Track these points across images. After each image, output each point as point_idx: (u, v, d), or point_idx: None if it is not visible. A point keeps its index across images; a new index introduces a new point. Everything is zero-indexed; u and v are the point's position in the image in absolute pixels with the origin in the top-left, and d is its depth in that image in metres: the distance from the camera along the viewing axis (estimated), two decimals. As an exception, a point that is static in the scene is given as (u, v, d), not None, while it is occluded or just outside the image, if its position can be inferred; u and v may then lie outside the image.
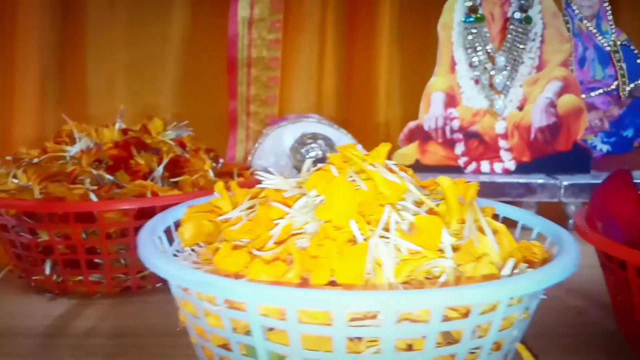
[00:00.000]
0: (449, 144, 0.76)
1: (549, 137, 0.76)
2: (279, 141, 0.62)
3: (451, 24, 0.78)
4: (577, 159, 0.76)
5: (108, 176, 0.50)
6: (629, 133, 0.79)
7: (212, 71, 1.10)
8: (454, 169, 0.76)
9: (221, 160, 0.67)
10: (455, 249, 0.33)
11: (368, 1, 1.08)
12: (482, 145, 0.76)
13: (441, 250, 0.32)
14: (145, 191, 0.48)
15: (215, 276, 0.27)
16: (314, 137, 0.58)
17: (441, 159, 0.76)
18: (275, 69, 1.05)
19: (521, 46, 0.77)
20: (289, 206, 0.34)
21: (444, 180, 0.36)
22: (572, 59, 0.81)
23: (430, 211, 0.35)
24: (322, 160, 0.58)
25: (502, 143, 0.76)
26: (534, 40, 0.78)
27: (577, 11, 0.82)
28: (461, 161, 0.76)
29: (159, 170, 0.52)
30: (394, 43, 1.08)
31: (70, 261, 0.49)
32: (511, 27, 0.77)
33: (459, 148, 0.76)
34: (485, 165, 0.76)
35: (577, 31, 0.83)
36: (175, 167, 0.53)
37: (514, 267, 0.31)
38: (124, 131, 0.57)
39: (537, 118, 0.76)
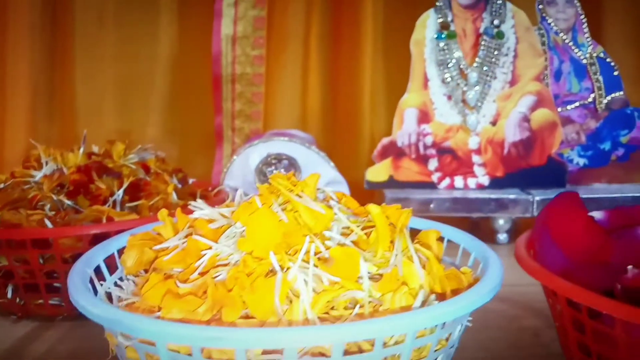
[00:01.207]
0: (423, 159, 0.76)
1: (523, 152, 0.76)
2: (246, 161, 0.63)
3: (423, 40, 0.78)
4: (552, 173, 0.76)
5: (67, 201, 0.51)
6: (606, 146, 0.79)
7: (199, 87, 1.11)
8: (427, 185, 0.76)
9: (191, 180, 0.68)
10: (379, 278, 0.33)
11: (351, 16, 1.09)
12: (456, 161, 0.77)
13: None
14: (102, 216, 0.49)
15: (123, 313, 0.28)
16: (279, 157, 0.59)
17: (415, 175, 0.77)
18: (259, 85, 1.06)
19: (494, 61, 0.77)
20: (217, 236, 0.34)
21: (373, 207, 0.37)
22: (547, 73, 0.81)
23: (358, 240, 0.35)
24: (285, 181, 0.59)
25: (475, 158, 0.76)
26: (506, 55, 0.78)
27: (552, 24, 0.82)
28: (435, 177, 0.77)
29: (119, 194, 0.52)
30: (379, 57, 1.08)
31: (31, 285, 0.50)
32: (483, 42, 0.77)
33: (433, 164, 0.77)
34: (458, 181, 0.76)
35: (552, 44, 0.83)
36: (136, 191, 0.54)
37: (426, 299, 0.31)
38: (89, 155, 0.58)
39: (511, 133, 0.76)
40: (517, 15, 0.78)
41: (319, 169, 0.65)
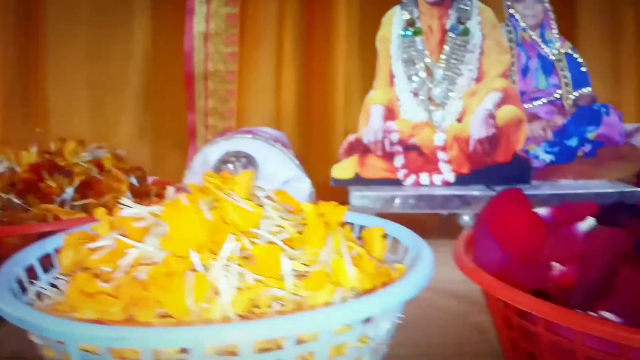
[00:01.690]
0: (388, 156, 0.76)
1: (489, 149, 0.76)
2: (206, 159, 0.62)
3: (389, 37, 0.78)
4: (517, 169, 0.76)
5: (16, 200, 0.51)
6: (572, 142, 0.79)
7: (172, 86, 1.11)
8: (393, 182, 0.76)
9: (151, 179, 0.67)
10: (305, 275, 0.33)
11: (325, 13, 1.08)
12: (422, 158, 0.76)
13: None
14: (48, 215, 0.49)
15: (32, 312, 0.27)
16: (237, 155, 0.59)
17: (380, 172, 0.76)
18: (232, 82, 1.06)
19: (460, 58, 0.77)
20: (145, 235, 0.34)
21: (306, 205, 0.37)
22: (514, 69, 0.81)
23: (291, 238, 0.35)
24: (242, 178, 0.59)
25: (441, 155, 0.76)
26: (472, 52, 0.77)
27: (520, 21, 0.82)
28: (400, 174, 0.76)
29: (68, 192, 0.52)
30: (352, 55, 1.08)
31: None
32: (449, 39, 0.77)
33: (399, 161, 0.76)
34: (424, 178, 0.76)
35: (520, 41, 0.83)
36: (87, 189, 0.53)
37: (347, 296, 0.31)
38: (43, 154, 0.57)
39: (476, 130, 0.76)
40: (483, 12, 0.78)
41: (280, 167, 0.64)
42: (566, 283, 0.32)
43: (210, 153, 0.62)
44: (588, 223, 0.37)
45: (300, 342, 0.28)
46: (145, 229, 0.35)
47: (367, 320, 0.30)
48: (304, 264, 0.34)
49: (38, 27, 1.10)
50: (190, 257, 0.32)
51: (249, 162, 0.59)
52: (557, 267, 0.32)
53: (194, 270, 0.31)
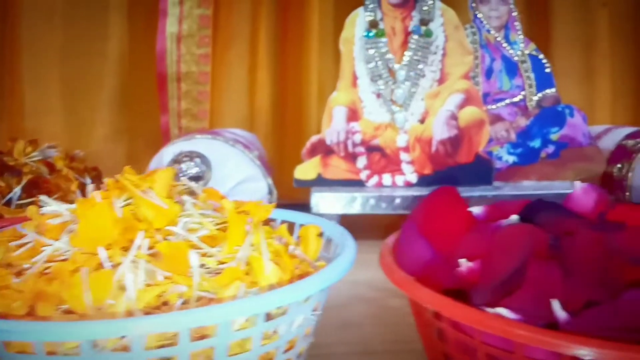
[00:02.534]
0: (351, 157, 0.76)
1: (451, 150, 0.76)
2: (161, 159, 0.62)
3: (352, 38, 0.78)
4: (479, 170, 0.76)
5: (-39, 199, 0.51)
6: (535, 144, 0.79)
7: (147, 86, 1.11)
8: (356, 183, 0.76)
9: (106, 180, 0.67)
10: (219, 272, 0.33)
11: (298, 15, 1.09)
12: (384, 159, 0.77)
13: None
14: (-10, 214, 0.49)
15: None
16: (190, 155, 0.59)
17: (343, 173, 0.77)
18: (204, 84, 1.06)
19: (422, 59, 0.77)
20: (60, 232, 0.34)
21: (227, 203, 0.37)
22: (479, 71, 0.82)
23: (213, 235, 0.35)
24: (196, 179, 0.59)
25: (403, 156, 0.76)
26: (435, 53, 0.78)
27: (485, 22, 0.82)
28: (363, 175, 0.76)
29: (15, 192, 0.52)
30: (326, 56, 1.09)
31: None
32: (412, 41, 0.77)
33: (361, 162, 0.76)
34: (387, 179, 0.76)
35: (484, 42, 0.83)
36: (35, 189, 0.53)
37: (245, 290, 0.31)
38: (-6, 153, 0.57)
39: (439, 131, 0.76)
40: (446, 13, 0.78)
41: (237, 167, 0.65)
42: (472, 280, 0.32)
43: (166, 153, 0.62)
44: (511, 220, 0.37)
45: (199, 337, 0.28)
46: (63, 226, 0.35)
47: (272, 315, 0.31)
48: (221, 261, 0.34)
49: (14, 27, 1.11)
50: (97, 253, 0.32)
51: (203, 162, 0.59)
52: (464, 264, 0.32)
53: (101, 266, 0.31)
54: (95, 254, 0.32)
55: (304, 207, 0.73)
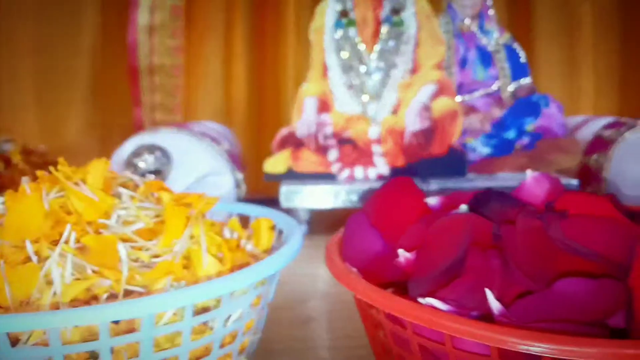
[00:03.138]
0: (322, 150, 0.75)
1: (424, 141, 0.75)
2: (121, 152, 0.61)
3: (322, 28, 0.77)
4: (453, 162, 0.75)
5: None
6: (510, 135, 0.78)
7: (121, 80, 1.10)
8: (327, 176, 0.75)
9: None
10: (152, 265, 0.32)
11: (275, 5, 1.07)
12: (356, 151, 0.75)
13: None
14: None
15: None
16: (150, 149, 0.57)
17: (314, 166, 0.75)
18: (178, 76, 1.04)
19: (394, 50, 0.76)
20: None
21: (165, 195, 0.36)
22: (453, 61, 0.80)
23: (152, 227, 0.34)
24: (156, 172, 0.58)
25: (375, 148, 0.75)
26: (407, 43, 0.76)
27: (458, 12, 0.81)
28: (334, 168, 0.75)
29: (-34, 186, 0.51)
30: (302, 48, 1.07)
31: None
32: (383, 30, 0.76)
33: (332, 154, 0.75)
34: (359, 171, 0.75)
35: (458, 32, 0.82)
36: (-13, 183, 0.52)
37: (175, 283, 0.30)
38: (-54, 147, 0.56)
39: (411, 122, 0.75)
40: (418, 2, 0.77)
41: (200, 160, 0.63)
42: (410, 271, 0.31)
43: (127, 147, 0.61)
44: (459, 210, 0.36)
45: (123, 331, 0.27)
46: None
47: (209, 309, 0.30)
48: (157, 255, 0.33)
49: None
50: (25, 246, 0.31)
51: (163, 155, 0.57)
52: (402, 254, 0.31)
53: (29, 260, 0.30)
54: (24, 247, 0.31)
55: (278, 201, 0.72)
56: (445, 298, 0.27)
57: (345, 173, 0.75)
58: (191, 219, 0.35)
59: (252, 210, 0.45)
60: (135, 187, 0.36)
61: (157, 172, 0.56)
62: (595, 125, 0.84)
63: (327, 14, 0.77)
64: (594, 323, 0.24)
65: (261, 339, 0.40)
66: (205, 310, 0.30)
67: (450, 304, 0.27)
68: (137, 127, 1.04)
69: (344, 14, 0.76)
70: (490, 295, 0.26)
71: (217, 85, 1.08)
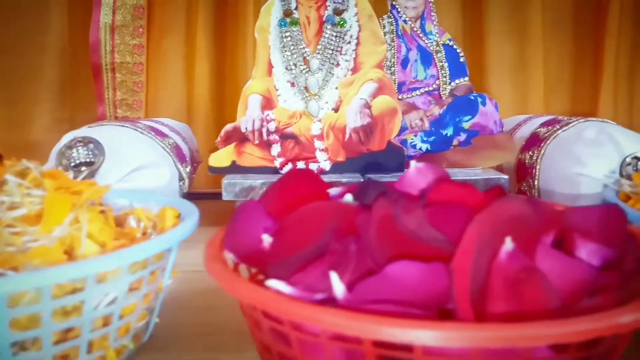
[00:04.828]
0: (265, 145, 0.78)
1: (364, 137, 0.77)
2: (59, 145, 0.63)
3: (268, 27, 0.80)
4: (391, 158, 0.78)
5: None
6: (448, 132, 0.81)
7: (87, 77, 1.11)
8: (270, 170, 0.78)
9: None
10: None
11: (235, 4, 1.09)
12: (298, 146, 0.78)
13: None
14: None
15: None
16: (84, 141, 0.59)
17: (257, 160, 0.78)
18: (139, 74, 1.06)
19: (336, 49, 0.78)
20: None
21: (48, 182, 0.38)
22: (395, 60, 0.83)
23: (29, 215, 0.36)
24: (88, 164, 0.60)
25: (317, 144, 0.78)
26: (349, 42, 0.79)
27: (401, 12, 0.84)
28: (277, 162, 0.78)
29: None
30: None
31: None
32: (326, 30, 0.78)
33: (275, 149, 0.78)
34: (300, 166, 0.78)
35: (401, 32, 0.84)
36: None
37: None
38: None
39: (352, 119, 0.77)
40: (359, 3, 0.80)
41: (135, 153, 0.65)
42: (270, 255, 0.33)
43: (64, 139, 0.63)
44: (345, 199, 0.38)
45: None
46: None
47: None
48: (36, 240, 0.35)
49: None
50: None
51: (96, 147, 0.59)
52: (266, 239, 0.33)
53: None
54: None
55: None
56: (297, 282, 0.29)
57: (288, 167, 0.78)
58: (75, 205, 0.37)
59: (161, 201, 0.47)
60: (35, 177, 0.38)
61: (89, 164, 0.58)
62: (535, 124, 0.87)
63: (272, 12, 0.79)
64: (427, 306, 0.26)
65: (159, 325, 0.42)
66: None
67: (298, 288, 0.28)
68: (98, 123, 1.06)
69: (287, 13, 0.79)
70: (334, 278, 0.27)
71: (178, 83, 1.10)
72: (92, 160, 0.59)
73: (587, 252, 0.35)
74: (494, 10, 1.15)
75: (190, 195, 0.95)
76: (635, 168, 0.65)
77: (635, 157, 0.66)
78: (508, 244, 0.28)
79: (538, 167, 0.78)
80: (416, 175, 0.40)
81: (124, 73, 1.05)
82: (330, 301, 0.27)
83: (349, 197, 0.39)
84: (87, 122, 1.16)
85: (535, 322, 0.22)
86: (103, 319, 0.33)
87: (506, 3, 1.16)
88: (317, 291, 0.28)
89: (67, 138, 0.63)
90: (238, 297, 0.27)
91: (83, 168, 0.58)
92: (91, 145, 0.59)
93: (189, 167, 0.79)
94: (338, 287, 0.26)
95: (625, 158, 0.66)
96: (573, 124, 0.78)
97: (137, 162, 0.63)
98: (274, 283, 0.28)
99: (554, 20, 1.20)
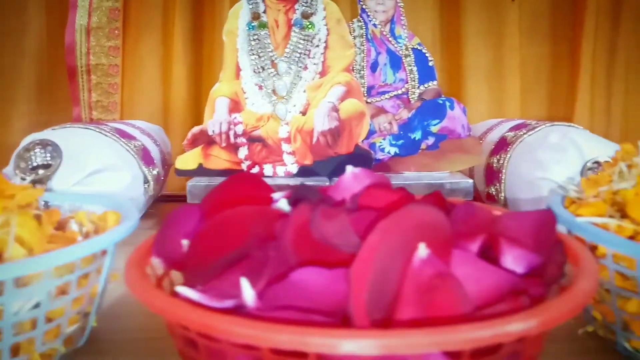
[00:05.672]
0: (232, 148, 0.78)
1: (331, 141, 0.77)
2: (19, 147, 0.63)
3: (236, 30, 0.80)
4: (359, 161, 0.78)
5: None
6: (417, 135, 0.81)
7: (64, 79, 1.11)
8: (237, 173, 0.77)
9: None
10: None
11: (213, 6, 1.09)
12: (266, 149, 0.78)
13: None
14: None
15: None
16: (42, 143, 0.59)
17: (224, 163, 0.78)
18: (115, 76, 1.06)
19: (304, 52, 0.78)
20: None
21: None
22: (364, 64, 0.83)
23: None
24: (47, 167, 0.60)
25: (285, 147, 0.78)
26: (317, 46, 0.79)
27: (371, 16, 0.84)
28: (244, 165, 0.78)
29: None
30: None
31: None
32: (294, 33, 0.79)
33: (242, 152, 0.78)
34: (268, 169, 0.78)
35: (371, 36, 0.84)
36: None
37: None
38: None
39: (320, 122, 0.77)
40: (328, 7, 0.80)
41: (95, 156, 0.65)
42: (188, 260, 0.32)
43: (24, 142, 0.63)
44: (279, 204, 0.38)
45: None
46: None
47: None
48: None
49: None
50: None
51: (54, 150, 0.59)
52: (185, 244, 0.33)
53: None
54: None
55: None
56: (211, 288, 0.29)
57: (255, 170, 0.78)
58: (6, 209, 0.37)
59: (108, 204, 0.46)
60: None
61: (46, 167, 0.58)
62: (505, 128, 0.87)
63: (240, 16, 0.80)
64: (331, 312, 0.26)
65: (99, 329, 0.42)
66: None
67: (208, 294, 0.28)
68: (73, 124, 1.05)
69: (256, 16, 0.79)
70: (245, 284, 0.27)
71: (155, 85, 1.11)
72: (50, 162, 0.59)
73: (513, 257, 0.35)
74: (470, 13, 1.15)
75: (164, 198, 0.96)
76: (596, 173, 0.65)
77: (597, 162, 0.66)
78: (422, 251, 0.28)
79: (504, 171, 0.78)
80: (352, 181, 0.40)
81: (99, 75, 1.05)
82: (241, 308, 0.27)
83: (283, 202, 0.39)
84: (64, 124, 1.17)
85: (419, 329, 0.22)
86: (31, 322, 0.33)
87: (483, 6, 1.16)
88: (227, 298, 0.28)
89: (26, 140, 0.63)
90: (143, 303, 0.27)
91: (40, 171, 0.58)
92: (49, 148, 0.59)
93: (157, 169, 0.79)
94: (248, 293, 0.26)
95: (586, 163, 0.66)
96: (539, 128, 0.78)
97: (95, 165, 0.63)
98: (181, 289, 0.28)
99: (531, 23, 1.20)
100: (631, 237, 0.39)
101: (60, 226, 0.42)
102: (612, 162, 0.46)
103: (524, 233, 0.37)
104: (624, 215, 0.42)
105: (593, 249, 0.40)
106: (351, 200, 0.37)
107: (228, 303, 0.28)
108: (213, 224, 0.33)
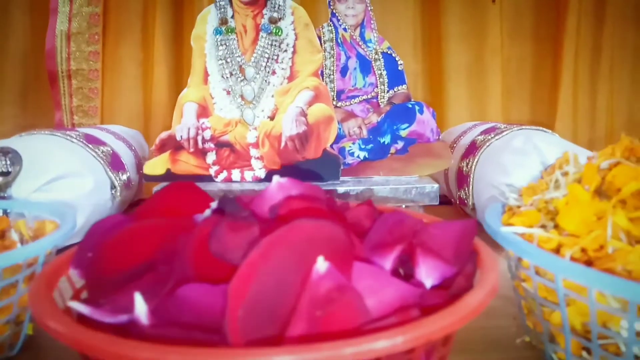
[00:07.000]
0: (200, 153, 0.78)
1: (299, 145, 0.77)
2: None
3: (204, 35, 0.80)
4: (327, 166, 0.78)
5: None
6: (386, 140, 0.81)
7: (48, 83, 1.12)
8: (205, 178, 0.78)
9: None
10: None
11: (193, 9, 1.10)
12: (234, 154, 0.78)
13: None
14: None
15: None
16: (2, 151, 0.60)
17: (192, 168, 0.78)
18: (95, 80, 1.07)
19: (272, 57, 0.79)
20: None
21: None
22: (334, 68, 0.83)
23: None
24: (6, 174, 0.61)
25: (253, 152, 0.78)
26: (285, 51, 0.79)
27: (341, 21, 0.84)
28: (212, 170, 0.78)
29: None
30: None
31: None
32: (262, 39, 0.79)
33: (210, 157, 0.78)
34: (236, 174, 0.78)
35: (341, 40, 0.84)
36: None
37: None
38: None
39: (288, 127, 0.77)
40: (296, 11, 0.80)
41: (56, 162, 0.65)
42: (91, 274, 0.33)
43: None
44: (204, 215, 0.39)
45: None
46: None
47: None
48: None
49: None
50: None
51: (14, 157, 0.60)
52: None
53: None
54: None
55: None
56: (108, 303, 0.29)
57: (223, 175, 0.78)
58: None
59: (54, 211, 0.47)
60: None
61: (5, 174, 0.59)
62: (477, 131, 0.87)
63: (208, 21, 0.80)
64: (215, 329, 0.25)
65: (37, 337, 0.43)
66: None
67: (103, 309, 0.28)
68: (59, 129, 1.07)
69: (223, 21, 0.79)
70: (138, 299, 0.27)
71: (136, 88, 1.11)
72: (9, 170, 0.59)
73: (426, 269, 0.35)
74: (451, 14, 1.14)
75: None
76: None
77: (559, 167, 0.66)
78: (320, 264, 0.28)
79: (472, 175, 0.78)
80: (277, 191, 0.40)
81: (79, 80, 1.06)
82: (135, 324, 0.27)
83: (207, 213, 0.39)
84: (50, 128, 1.18)
85: (280, 347, 0.22)
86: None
87: (464, 6, 1.15)
88: (121, 313, 0.28)
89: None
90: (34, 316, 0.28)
91: (0, 178, 0.59)
92: (9, 155, 0.60)
93: (127, 174, 0.80)
94: (140, 308, 0.26)
95: (546, 167, 0.66)
96: (506, 132, 0.77)
97: (56, 171, 0.63)
98: (73, 304, 0.28)
99: (513, 23, 1.20)
100: (556, 249, 0.39)
101: (1, 235, 0.43)
102: (549, 171, 0.46)
103: (445, 243, 0.37)
104: (558, 224, 0.42)
105: (520, 258, 0.40)
106: (270, 212, 0.37)
107: (121, 318, 0.28)
108: (120, 236, 0.33)
